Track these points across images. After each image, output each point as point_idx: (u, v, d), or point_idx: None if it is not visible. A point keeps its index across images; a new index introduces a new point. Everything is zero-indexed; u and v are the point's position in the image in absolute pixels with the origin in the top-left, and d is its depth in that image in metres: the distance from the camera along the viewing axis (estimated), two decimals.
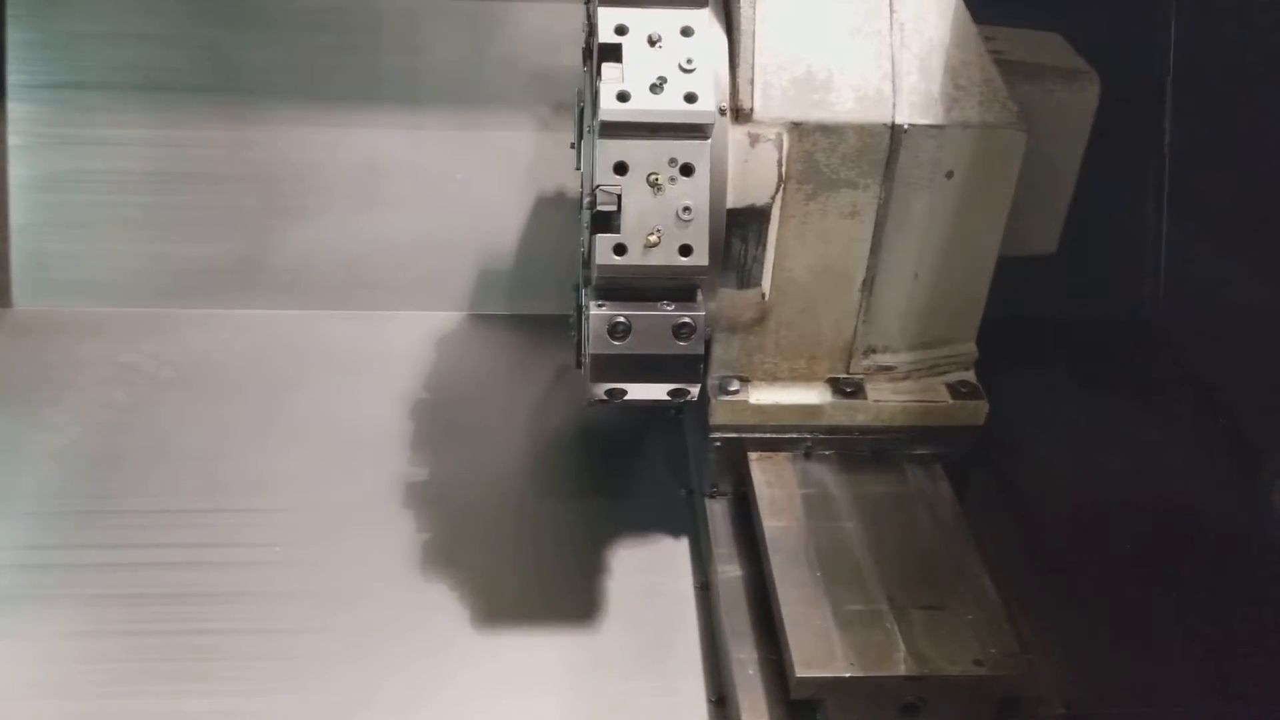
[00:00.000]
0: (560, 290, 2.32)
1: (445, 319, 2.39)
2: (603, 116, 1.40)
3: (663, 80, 1.43)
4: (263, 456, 2.01)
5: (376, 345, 2.31)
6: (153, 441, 2.03)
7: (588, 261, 1.91)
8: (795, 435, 1.81)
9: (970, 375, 1.85)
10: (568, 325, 2.15)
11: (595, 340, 1.47)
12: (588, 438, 2.13)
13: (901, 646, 1.50)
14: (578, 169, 2.14)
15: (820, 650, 1.49)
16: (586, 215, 1.67)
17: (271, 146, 2.37)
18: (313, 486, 1.95)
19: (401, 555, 1.83)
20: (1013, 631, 1.53)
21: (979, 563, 1.65)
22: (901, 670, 1.46)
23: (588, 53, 1.95)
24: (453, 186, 2.39)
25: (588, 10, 1.76)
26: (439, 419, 2.12)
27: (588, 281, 1.87)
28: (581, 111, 2.02)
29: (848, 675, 1.45)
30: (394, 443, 2.06)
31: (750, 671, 1.57)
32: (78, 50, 2.33)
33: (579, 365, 2.02)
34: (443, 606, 1.75)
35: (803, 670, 1.46)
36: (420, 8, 2.35)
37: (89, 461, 1.98)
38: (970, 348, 1.86)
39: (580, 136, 2.07)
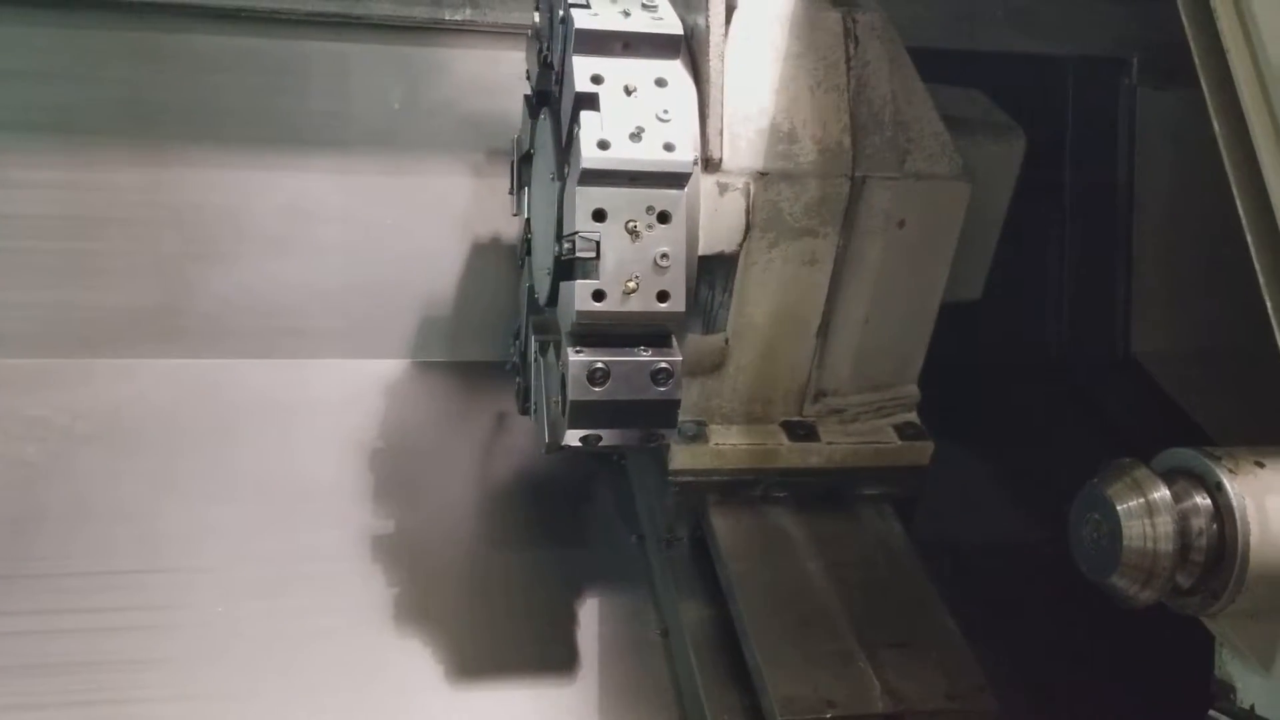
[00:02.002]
0: (495, 336, 2.32)
1: (376, 366, 2.33)
2: (585, 164, 1.41)
3: (641, 130, 1.44)
4: (195, 513, 1.92)
5: (306, 394, 2.24)
6: (74, 500, 1.92)
7: (537, 307, 1.91)
8: (751, 478, 1.83)
9: (914, 417, 1.91)
10: (507, 371, 2.13)
11: (574, 386, 1.46)
12: (532, 486, 2.11)
13: (876, 685, 1.53)
14: (515, 215, 2.14)
15: (800, 692, 1.50)
16: (548, 261, 1.67)
17: (193, 190, 2.28)
18: (252, 543, 1.88)
19: (353, 613, 1.78)
20: (978, 665, 1.58)
21: (936, 599, 1.70)
22: (879, 708, 1.49)
23: (533, 100, 1.96)
24: (383, 232, 2.35)
25: (543, 58, 1.77)
26: (377, 470, 2.07)
27: (540, 328, 1.87)
28: (526, 156, 2.03)
29: (829, 716, 1.47)
30: (334, 496, 2.00)
31: (726, 718, 1.57)
32: None
33: (523, 411, 2.01)
34: (400, 665, 1.70)
35: (785, 714, 1.47)
36: (350, 51, 2.32)
37: (6, 523, 1.85)
38: (913, 390, 1.92)
39: (521, 184, 2.07)
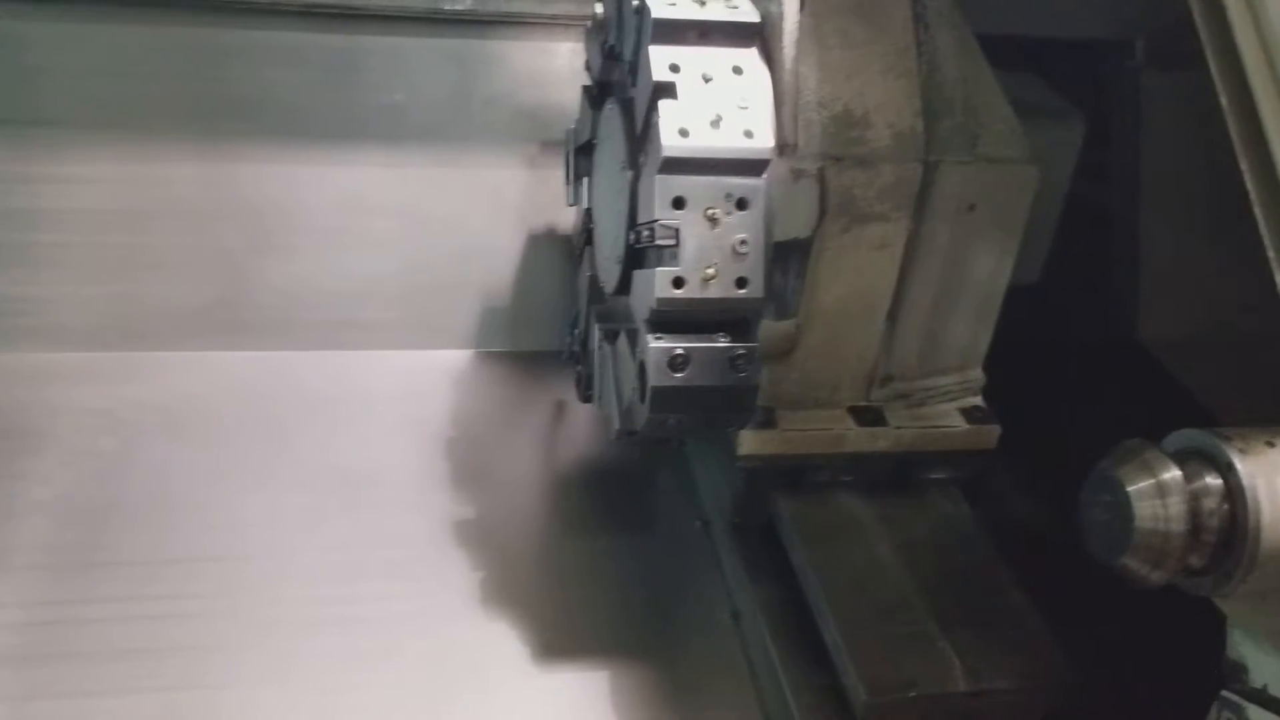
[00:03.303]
0: (552, 326, 2.33)
1: (435, 357, 2.36)
2: (666, 152, 1.42)
3: (720, 117, 1.45)
4: (269, 501, 1.94)
5: (370, 385, 2.26)
6: (150, 490, 1.94)
7: (598, 296, 1.92)
8: (819, 463, 1.85)
9: (980, 400, 1.92)
10: (564, 360, 2.15)
11: (655, 373, 1.47)
12: (595, 472, 2.13)
13: (957, 664, 1.54)
14: (570, 205, 2.16)
15: (883, 673, 1.52)
16: (617, 250, 1.69)
17: (252, 184, 2.30)
18: (327, 530, 1.90)
19: (428, 597, 1.80)
20: (1055, 644, 1.59)
21: (1010, 580, 1.71)
22: (961, 687, 1.51)
23: (595, 91, 1.98)
24: (439, 224, 2.37)
25: (608, 48, 1.78)
26: (444, 458, 2.09)
27: (604, 317, 1.89)
28: (584, 147, 2.04)
29: (913, 695, 1.49)
30: (403, 483, 2.02)
31: (805, 699, 1.59)
32: (43, 85, 2.22)
33: (584, 399, 2.03)
34: (477, 648, 1.73)
35: (870, 694, 1.49)
36: (404, 45, 2.33)
37: (84, 513, 1.88)
38: (979, 373, 1.93)
39: (579, 174, 2.09)
